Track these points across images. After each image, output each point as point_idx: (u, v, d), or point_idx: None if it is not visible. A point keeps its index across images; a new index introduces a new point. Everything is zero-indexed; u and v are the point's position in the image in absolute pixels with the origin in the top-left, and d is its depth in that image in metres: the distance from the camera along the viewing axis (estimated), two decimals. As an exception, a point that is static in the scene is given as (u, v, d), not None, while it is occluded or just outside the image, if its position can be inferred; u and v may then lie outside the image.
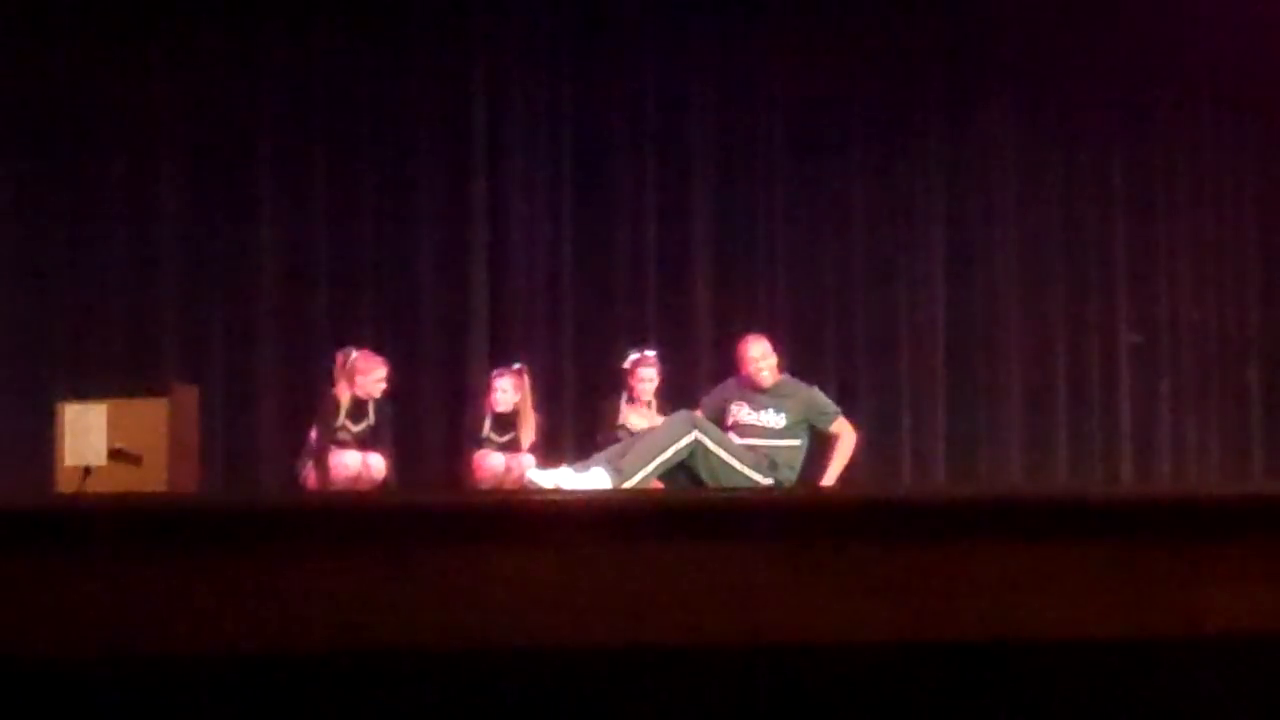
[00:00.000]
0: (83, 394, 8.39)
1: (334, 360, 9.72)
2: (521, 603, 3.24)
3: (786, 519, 3.42)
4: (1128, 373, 11.95)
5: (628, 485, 7.97)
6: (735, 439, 8.56)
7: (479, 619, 3.25)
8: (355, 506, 4.07)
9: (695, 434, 8.23)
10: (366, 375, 9.56)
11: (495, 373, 10.06)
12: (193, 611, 3.26)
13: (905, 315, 11.64)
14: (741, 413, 8.75)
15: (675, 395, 9.88)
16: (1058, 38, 11.67)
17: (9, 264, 10.31)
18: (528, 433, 9.88)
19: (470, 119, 11.11)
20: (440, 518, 3.44)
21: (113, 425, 8.14)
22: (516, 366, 10.04)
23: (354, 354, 9.66)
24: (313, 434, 9.66)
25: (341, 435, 9.54)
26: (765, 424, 8.69)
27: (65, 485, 8.08)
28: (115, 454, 8.10)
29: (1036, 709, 3.39)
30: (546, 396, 10.69)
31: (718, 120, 11.47)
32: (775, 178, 11.50)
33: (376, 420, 9.65)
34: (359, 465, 9.41)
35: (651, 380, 9.80)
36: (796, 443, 8.75)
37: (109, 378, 9.41)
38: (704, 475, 8.28)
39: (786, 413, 8.72)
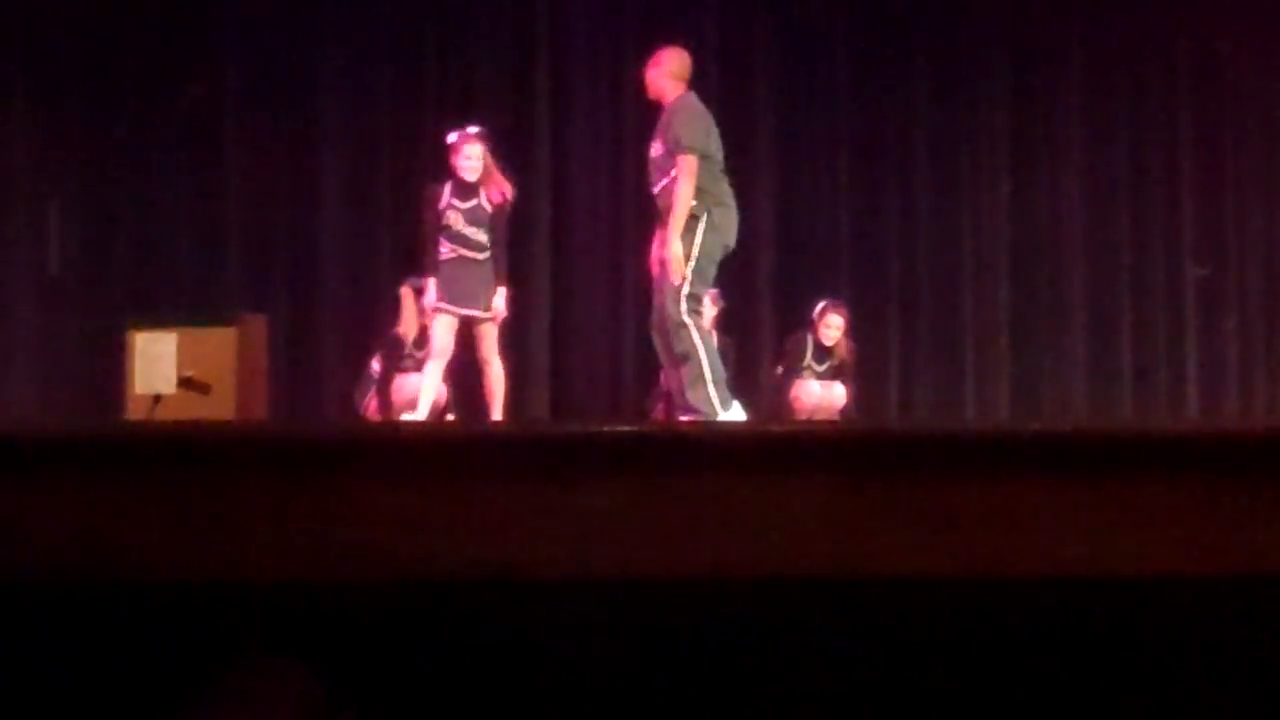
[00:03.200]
0: (153, 323, 8.44)
1: (399, 291, 9.76)
2: (581, 534, 3.27)
3: (850, 452, 3.43)
4: (1193, 307, 11.86)
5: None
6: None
7: (540, 550, 3.28)
8: (418, 436, 4.10)
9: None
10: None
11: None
12: (257, 538, 3.29)
13: (968, 251, 11.60)
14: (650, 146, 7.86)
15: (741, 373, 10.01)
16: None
17: (79, 195, 10.40)
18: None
19: (533, 45, 11.12)
20: (505, 448, 3.47)
21: (182, 354, 8.20)
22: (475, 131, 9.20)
23: (423, 283, 9.68)
24: (375, 363, 9.73)
25: (406, 363, 9.62)
26: (650, 154, 7.83)
27: (135, 412, 8.15)
28: (184, 382, 8.15)
29: (1100, 647, 3.39)
30: (605, 328, 10.80)
31: (780, 76, 11.41)
32: (840, 114, 11.45)
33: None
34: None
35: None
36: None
37: (178, 306, 9.48)
38: None
39: (661, 138, 7.77)
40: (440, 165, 8.84)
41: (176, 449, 3.41)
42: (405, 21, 11.00)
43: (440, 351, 8.73)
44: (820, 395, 10.26)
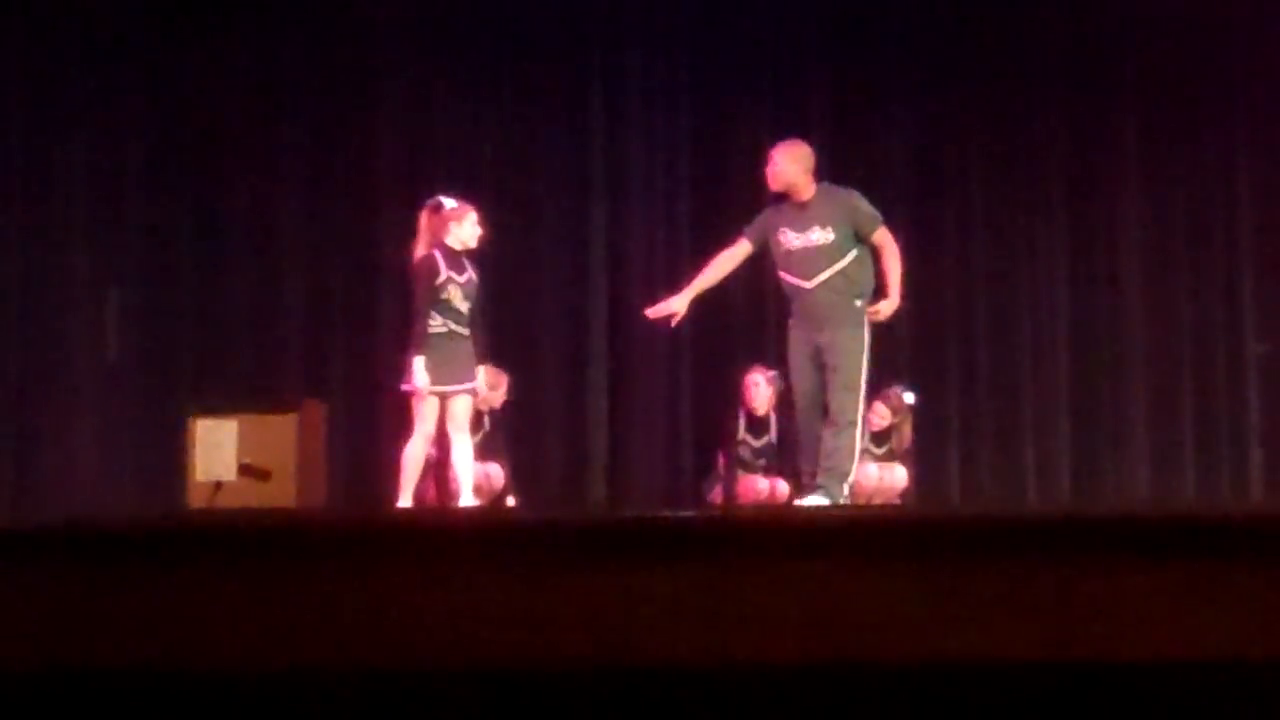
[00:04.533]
0: (214, 410, 8.48)
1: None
2: (641, 619, 3.25)
3: (915, 537, 3.41)
4: (1256, 383, 11.76)
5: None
6: (789, 277, 8.00)
7: (608, 637, 3.26)
8: (476, 523, 4.10)
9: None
10: (495, 389, 9.57)
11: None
12: (321, 625, 3.29)
13: (1027, 331, 11.53)
14: (789, 239, 8.01)
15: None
16: (1178, 42, 11.53)
17: (142, 283, 10.46)
18: None
19: (589, 128, 11.18)
20: (562, 535, 3.46)
21: (243, 441, 8.24)
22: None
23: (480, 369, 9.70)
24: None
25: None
26: (815, 244, 7.95)
27: (196, 500, 8.18)
28: (245, 469, 8.19)
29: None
30: (664, 410, 10.81)
31: (834, 156, 11.42)
32: (893, 188, 11.43)
33: (493, 430, 9.71)
34: (480, 476, 9.46)
35: (758, 386, 10.01)
36: (854, 255, 7.98)
37: (239, 394, 9.51)
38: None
39: (831, 228, 7.96)
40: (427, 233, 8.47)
41: (238, 537, 3.42)
42: (462, 105, 11.07)
43: (428, 431, 8.30)
44: (879, 477, 10.20)
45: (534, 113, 11.15)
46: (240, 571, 3.32)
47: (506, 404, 9.84)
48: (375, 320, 10.76)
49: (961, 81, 11.51)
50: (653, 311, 8.16)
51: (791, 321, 8.07)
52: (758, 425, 10.20)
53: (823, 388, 7.87)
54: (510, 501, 9.64)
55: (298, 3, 10.86)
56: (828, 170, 11.25)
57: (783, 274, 8.05)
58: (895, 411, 10.32)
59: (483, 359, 8.33)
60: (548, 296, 11.04)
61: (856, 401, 7.81)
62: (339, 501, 9.78)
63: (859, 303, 7.89)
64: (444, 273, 8.21)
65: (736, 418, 10.20)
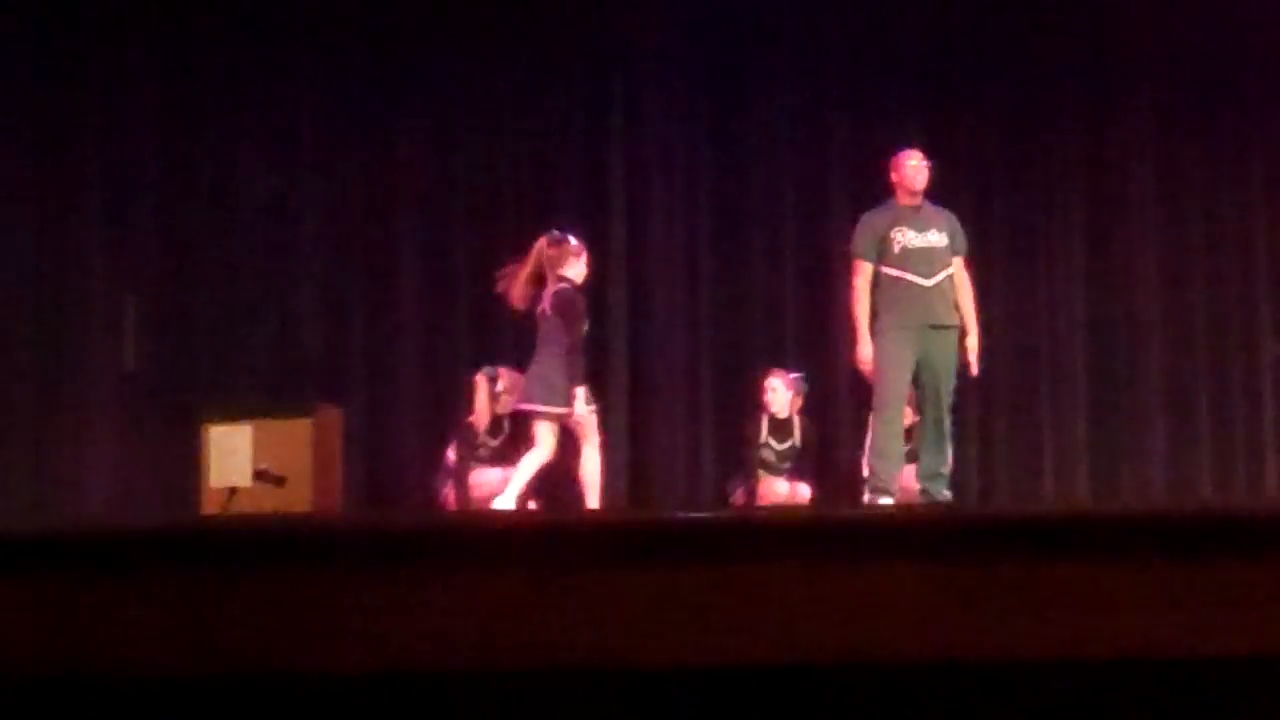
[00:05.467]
0: (228, 416, 8.46)
1: (473, 380, 9.78)
2: (656, 621, 3.24)
3: (933, 536, 3.39)
4: (1271, 384, 11.73)
5: None
6: (905, 274, 8.13)
7: (617, 639, 3.24)
8: (497, 526, 4.08)
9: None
10: (512, 393, 9.58)
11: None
12: (338, 631, 3.27)
13: (1044, 333, 11.51)
14: (908, 237, 8.22)
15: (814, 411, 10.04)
16: (1194, 39, 11.51)
17: (154, 286, 10.45)
18: None
19: (607, 140, 11.18)
20: (581, 537, 3.44)
21: (257, 446, 8.21)
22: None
23: (498, 372, 9.71)
24: (450, 453, 9.74)
25: (481, 452, 9.63)
26: (934, 245, 8.21)
27: (210, 506, 8.17)
28: (260, 475, 8.16)
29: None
30: (685, 413, 10.81)
31: (853, 167, 11.42)
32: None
33: (514, 434, 9.71)
34: (500, 480, 9.47)
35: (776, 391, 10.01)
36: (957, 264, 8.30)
37: (253, 399, 9.50)
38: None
39: (945, 233, 8.26)
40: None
41: (253, 543, 3.40)
42: (481, 113, 11.06)
43: (553, 445, 8.67)
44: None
45: (551, 117, 11.14)
46: (256, 577, 3.30)
47: (525, 409, 9.84)
48: (391, 324, 10.76)
49: (977, 81, 11.49)
50: (859, 363, 8.24)
51: (891, 320, 8.11)
52: (780, 428, 10.18)
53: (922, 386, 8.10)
54: (531, 505, 9.64)
55: (315, 7, 10.85)
56: (849, 176, 11.31)
57: (895, 271, 8.14)
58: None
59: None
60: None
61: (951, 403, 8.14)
62: (355, 507, 9.77)
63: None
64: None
65: (759, 421, 10.19)
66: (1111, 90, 11.70)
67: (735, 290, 11.27)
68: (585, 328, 8.68)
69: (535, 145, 11.13)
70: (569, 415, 8.51)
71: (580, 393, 8.48)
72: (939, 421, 8.11)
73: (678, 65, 11.36)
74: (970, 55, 11.46)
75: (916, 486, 8.23)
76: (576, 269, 8.69)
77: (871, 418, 8.32)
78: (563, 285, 8.62)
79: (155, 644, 3.27)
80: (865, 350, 8.11)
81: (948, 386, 8.15)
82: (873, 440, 8.31)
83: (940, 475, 8.09)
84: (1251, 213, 11.79)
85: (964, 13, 11.49)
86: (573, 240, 8.75)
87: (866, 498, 8.25)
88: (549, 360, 8.56)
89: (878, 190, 9.65)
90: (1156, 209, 11.71)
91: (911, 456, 9.97)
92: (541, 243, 8.74)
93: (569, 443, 8.69)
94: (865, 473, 8.31)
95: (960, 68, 11.43)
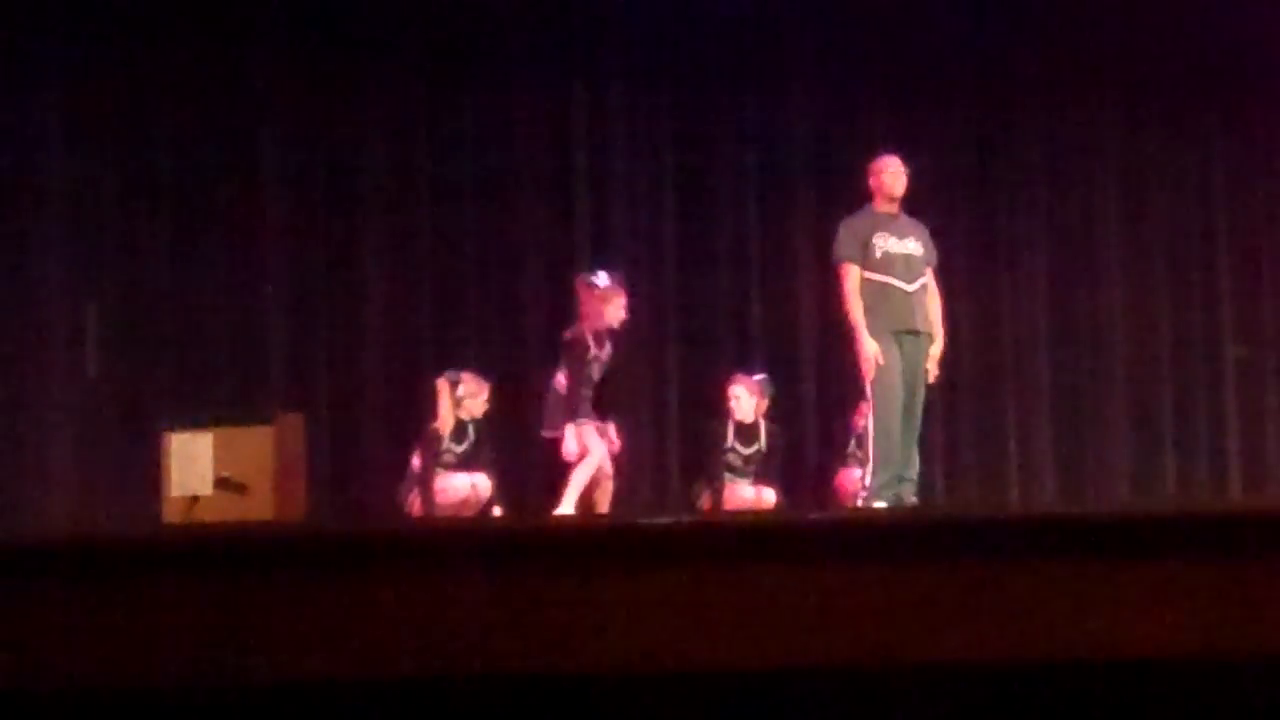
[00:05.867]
0: (189, 424, 8.41)
1: (436, 385, 9.75)
2: (618, 628, 3.23)
3: (899, 539, 3.38)
4: (1233, 389, 11.79)
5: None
6: (889, 279, 8.20)
7: (588, 643, 3.23)
8: (461, 533, 4.06)
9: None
10: (475, 398, 9.62)
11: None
12: (300, 638, 3.26)
13: (1008, 336, 11.54)
14: (889, 243, 8.28)
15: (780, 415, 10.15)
16: (1157, 42, 11.56)
17: (115, 295, 10.40)
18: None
19: (571, 144, 11.17)
20: (548, 543, 3.43)
21: (218, 454, 8.17)
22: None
23: (460, 376, 9.70)
24: (415, 459, 9.71)
25: (446, 458, 9.61)
26: (912, 252, 8.31)
27: (172, 515, 8.12)
28: (221, 483, 8.12)
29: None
30: (651, 419, 10.80)
31: (818, 154, 11.44)
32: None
33: (478, 439, 9.70)
34: (467, 488, 9.48)
35: (739, 400, 10.04)
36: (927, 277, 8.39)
37: (214, 407, 9.45)
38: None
39: (920, 242, 8.36)
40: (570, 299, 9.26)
41: (214, 551, 3.38)
42: (444, 120, 11.03)
43: (602, 451, 9.09)
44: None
45: (514, 124, 11.12)
46: (217, 585, 3.28)
47: (490, 413, 9.81)
48: (352, 330, 10.72)
49: (939, 89, 11.52)
50: (865, 366, 8.18)
51: (875, 324, 8.16)
52: (746, 433, 10.17)
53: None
54: (496, 511, 9.63)
55: (275, 15, 10.80)
56: (813, 182, 11.31)
57: (878, 276, 8.21)
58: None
59: (607, 414, 9.20)
60: (531, 304, 10.99)
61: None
62: (319, 514, 9.73)
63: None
64: (593, 349, 9.05)
65: (724, 425, 10.18)
66: (1073, 99, 11.76)
67: (700, 295, 11.27)
68: (592, 373, 9.06)
69: (498, 152, 11.10)
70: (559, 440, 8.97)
71: (571, 430, 8.90)
72: (911, 426, 8.13)
73: (642, 73, 11.37)
74: (933, 63, 11.50)
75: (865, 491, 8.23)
76: (599, 309, 9.09)
77: (868, 422, 8.29)
78: (576, 327, 9.13)
79: (117, 653, 3.25)
80: (870, 347, 8.11)
81: (921, 392, 8.21)
82: (874, 444, 8.22)
83: (908, 480, 8.10)
84: (1213, 219, 11.87)
85: (926, 22, 11.51)
86: (601, 282, 9.15)
87: (869, 504, 8.18)
88: (553, 390, 9.16)
89: (842, 196, 9.67)
90: (1119, 216, 11.77)
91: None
92: (577, 289, 9.27)
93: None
94: (868, 479, 8.23)
95: (923, 75, 11.48)
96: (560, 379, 9.11)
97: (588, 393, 9.04)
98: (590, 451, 8.94)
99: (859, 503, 8.40)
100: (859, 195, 8.65)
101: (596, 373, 9.09)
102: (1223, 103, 11.81)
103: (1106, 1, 11.64)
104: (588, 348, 9.01)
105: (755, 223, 11.43)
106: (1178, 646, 3.27)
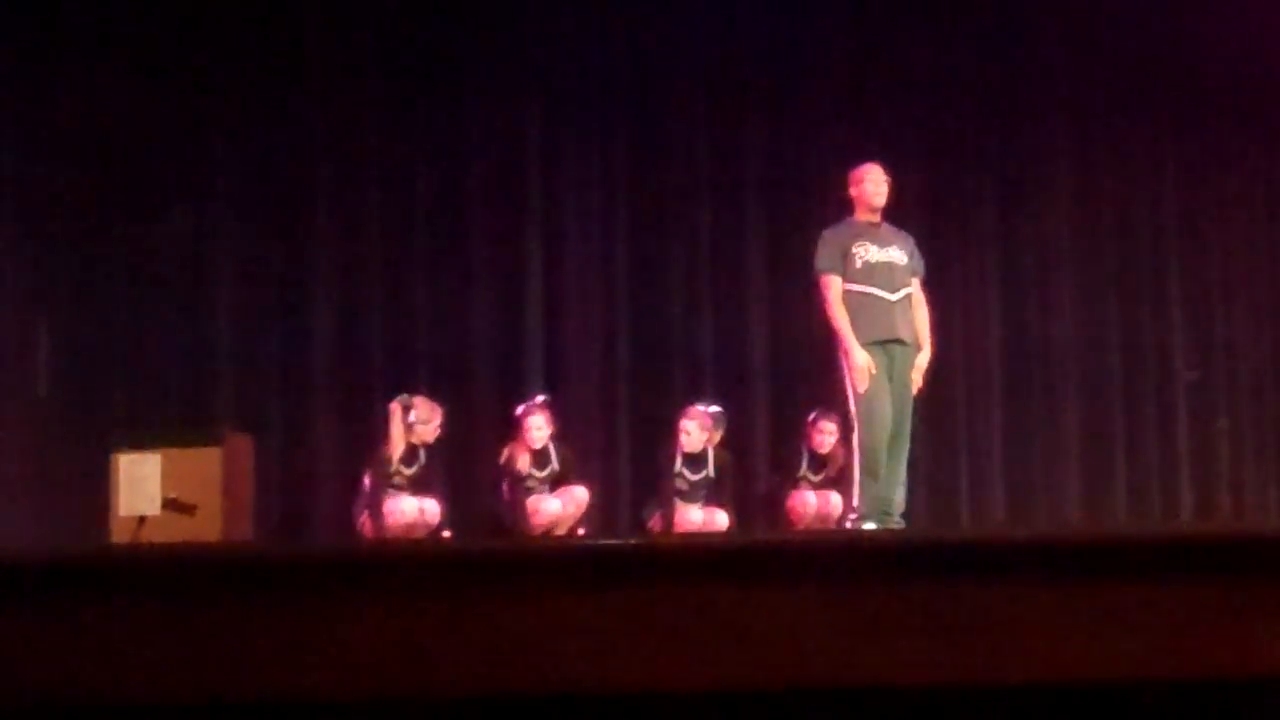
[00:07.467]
0: (137, 444, 8.37)
1: (389, 409, 9.73)
2: (567, 649, 3.22)
3: (847, 561, 3.38)
4: (1185, 410, 11.85)
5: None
6: (870, 289, 8.16)
7: (534, 665, 3.22)
8: (411, 555, 4.04)
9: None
10: (428, 423, 9.61)
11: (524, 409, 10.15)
12: (248, 660, 3.24)
13: (959, 360, 11.54)
14: (870, 252, 8.24)
15: (734, 443, 10.27)
16: (1108, 63, 11.64)
17: (64, 314, 10.35)
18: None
19: (525, 169, 11.15)
20: (497, 565, 3.42)
21: (167, 475, 8.13)
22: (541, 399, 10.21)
23: (413, 401, 9.68)
24: (366, 481, 9.69)
25: (396, 480, 9.59)
26: (895, 261, 8.25)
27: (119, 535, 8.08)
28: (169, 504, 8.08)
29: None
30: (602, 443, 10.80)
31: (770, 177, 11.45)
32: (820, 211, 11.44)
33: (429, 463, 9.69)
34: (415, 511, 9.47)
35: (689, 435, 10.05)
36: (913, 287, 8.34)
37: (163, 428, 9.40)
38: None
39: (904, 252, 8.32)
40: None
41: (161, 572, 3.36)
42: (393, 139, 11.00)
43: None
44: (817, 505, 10.19)
45: (467, 148, 11.09)
46: (162, 606, 3.26)
47: (441, 438, 9.81)
48: (303, 352, 10.68)
49: (892, 101, 11.54)
50: (858, 377, 8.09)
51: (858, 335, 8.10)
52: (694, 461, 10.15)
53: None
54: (446, 535, 9.61)
55: (227, 34, 10.76)
56: (766, 206, 11.31)
57: (859, 287, 8.15)
58: (832, 434, 10.26)
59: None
60: (482, 329, 10.96)
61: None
62: (267, 535, 9.68)
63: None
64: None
65: (673, 451, 10.16)
66: (1024, 110, 11.80)
67: (652, 322, 11.23)
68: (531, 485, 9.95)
69: (451, 175, 11.08)
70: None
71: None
72: (900, 443, 8.11)
73: (594, 96, 11.36)
74: (885, 75, 11.52)
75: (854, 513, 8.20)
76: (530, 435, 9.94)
77: (855, 440, 8.23)
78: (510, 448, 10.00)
79: (60, 673, 3.22)
80: (861, 358, 8.01)
81: (909, 405, 8.18)
82: (859, 460, 8.17)
83: (894, 515, 8.06)
84: (1165, 236, 11.93)
85: (878, 33, 11.56)
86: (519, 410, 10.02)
87: (859, 525, 8.12)
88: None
89: (798, 220, 9.69)
90: (1071, 232, 11.81)
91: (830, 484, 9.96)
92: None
93: None
94: (855, 500, 8.18)
95: (877, 88, 11.49)
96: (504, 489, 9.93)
97: (534, 484, 9.96)
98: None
99: (848, 524, 8.35)
100: (840, 208, 8.64)
101: (537, 483, 9.93)
102: (1175, 124, 11.88)
103: (1060, 24, 11.71)
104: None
105: (708, 249, 11.39)
106: (1142, 669, 3.27)
